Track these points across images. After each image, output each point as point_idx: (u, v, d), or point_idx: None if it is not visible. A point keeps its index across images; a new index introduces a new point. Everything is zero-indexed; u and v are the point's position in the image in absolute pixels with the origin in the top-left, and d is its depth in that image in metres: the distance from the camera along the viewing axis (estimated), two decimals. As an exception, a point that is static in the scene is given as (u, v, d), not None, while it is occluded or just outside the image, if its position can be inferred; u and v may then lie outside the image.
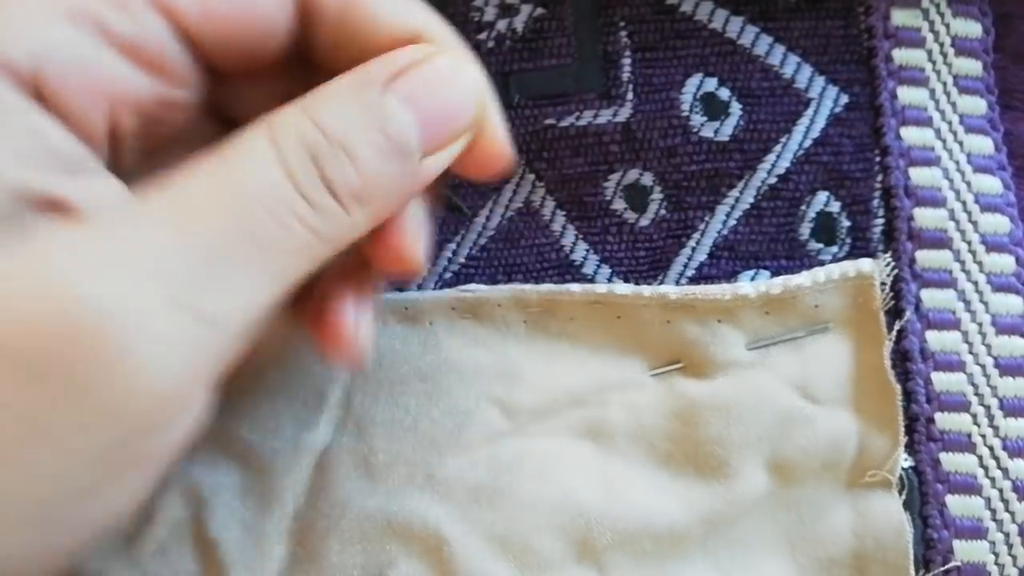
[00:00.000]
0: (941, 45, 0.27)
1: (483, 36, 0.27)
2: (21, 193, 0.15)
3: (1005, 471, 0.26)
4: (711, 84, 0.27)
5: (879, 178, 0.27)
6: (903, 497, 0.26)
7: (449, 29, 0.19)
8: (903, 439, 0.26)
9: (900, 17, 0.28)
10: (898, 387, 0.26)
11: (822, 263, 0.27)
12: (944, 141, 0.27)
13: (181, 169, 0.16)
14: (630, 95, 0.27)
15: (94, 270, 0.15)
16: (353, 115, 0.17)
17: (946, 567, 0.26)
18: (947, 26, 0.27)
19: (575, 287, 0.26)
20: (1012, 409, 0.26)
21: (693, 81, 0.27)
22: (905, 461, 0.26)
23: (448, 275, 0.28)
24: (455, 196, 0.27)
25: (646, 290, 0.25)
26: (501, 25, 0.27)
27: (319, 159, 0.17)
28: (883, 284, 0.26)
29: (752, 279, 0.27)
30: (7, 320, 0.14)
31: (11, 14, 0.15)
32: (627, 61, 0.27)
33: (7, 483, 0.15)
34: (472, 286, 0.25)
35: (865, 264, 0.26)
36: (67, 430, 0.15)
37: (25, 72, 0.15)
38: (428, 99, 0.18)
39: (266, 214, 0.16)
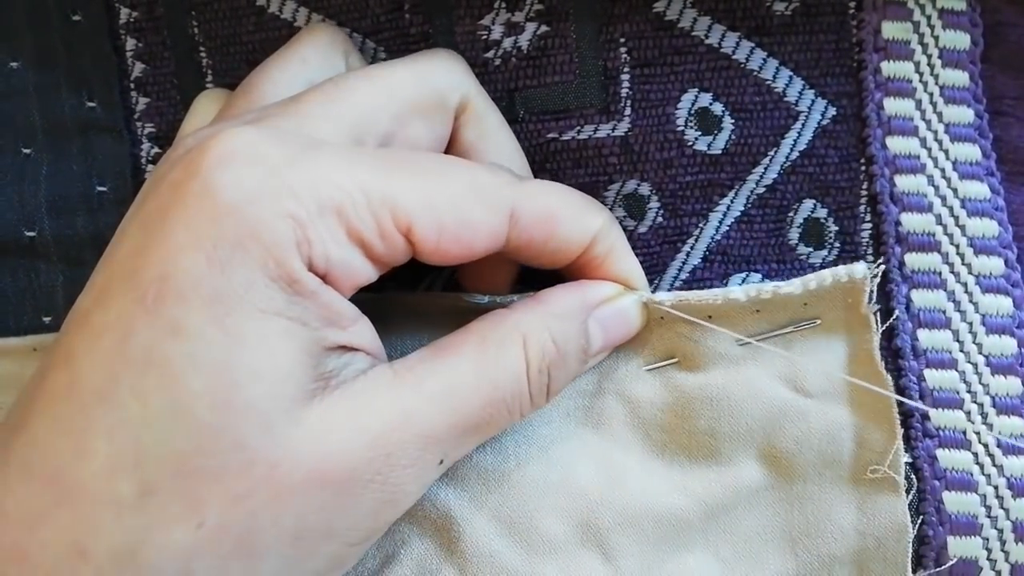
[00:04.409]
0: (929, 57, 0.28)
1: (490, 54, 0.29)
2: (328, 345, 0.21)
3: (1000, 468, 0.26)
4: (705, 100, 0.28)
5: (864, 186, 0.28)
6: (910, 498, 0.26)
7: (614, 228, 0.25)
8: (900, 432, 0.26)
9: (890, 30, 0.28)
10: (889, 377, 0.26)
11: (812, 266, 0.28)
12: (930, 149, 0.28)
13: (445, 347, 0.23)
14: (628, 110, 0.29)
15: (385, 424, 0.21)
16: (573, 334, 0.24)
17: (948, 565, 0.26)
18: (936, 38, 0.28)
19: None
20: (1005, 407, 0.27)
21: (688, 97, 0.28)
22: (903, 457, 0.26)
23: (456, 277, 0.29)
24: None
25: (642, 295, 0.26)
26: (507, 43, 0.29)
27: (551, 370, 0.24)
28: (872, 280, 0.26)
29: (743, 281, 0.28)
30: (330, 453, 0.20)
31: (323, 238, 0.20)
32: (626, 77, 0.28)
33: (302, 570, 0.21)
34: (476, 295, 0.26)
35: (858, 270, 0.26)
36: (349, 529, 0.21)
37: (321, 270, 0.21)
38: (615, 327, 0.26)
39: (505, 408, 0.23)
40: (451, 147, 0.26)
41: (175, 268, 0.19)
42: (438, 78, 0.25)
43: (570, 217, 0.24)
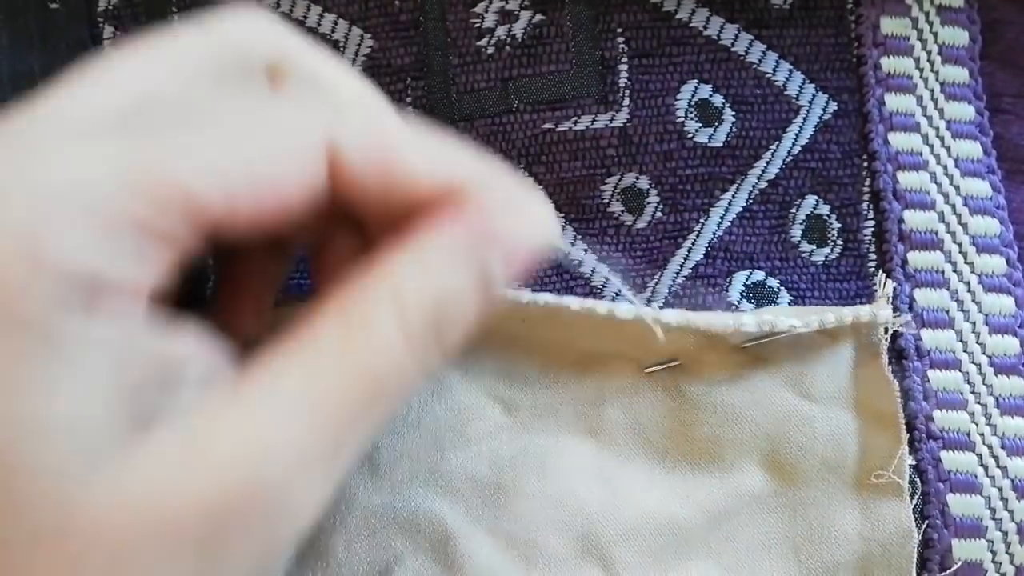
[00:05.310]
0: (928, 53, 0.28)
1: (483, 42, 0.28)
2: (138, 373, 0.16)
3: (1004, 470, 0.26)
4: (705, 91, 0.28)
5: (867, 182, 0.28)
6: (915, 502, 0.26)
7: (492, 165, 0.20)
8: (905, 436, 0.26)
9: (889, 26, 0.28)
10: (896, 384, 0.26)
11: (815, 263, 0.27)
12: (932, 146, 0.28)
13: (303, 329, 0.17)
14: (627, 101, 0.28)
15: (245, 446, 0.16)
16: (467, 282, 0.18)
17: (953, 568, 0.26)
18: (935, 35, 0.28)
19: (574, 303, 0.25)
20: (1009, 408, 0.26)
21: (688, 88, 0.28)
22: (908, 461, 0.26)
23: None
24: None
25: (647, 314, 0.24)
26: (501, 32, 0.28)
27: (440, 327, 0.18)
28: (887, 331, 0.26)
29: (747, 279, 0.28)
30: (175, 499, 0.16)
31: (63, 229, 0.16)
32: (624, 67, 0.28)
33: None
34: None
35: (882, 314, 0.25)
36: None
37: (88, 278, 0.16)
38: (519, 254, 0.19)
39: (391, 388, 0.18)
40: None
41: None
42: (235, 34, 0.20)
43: (415, 148, 0.19)
